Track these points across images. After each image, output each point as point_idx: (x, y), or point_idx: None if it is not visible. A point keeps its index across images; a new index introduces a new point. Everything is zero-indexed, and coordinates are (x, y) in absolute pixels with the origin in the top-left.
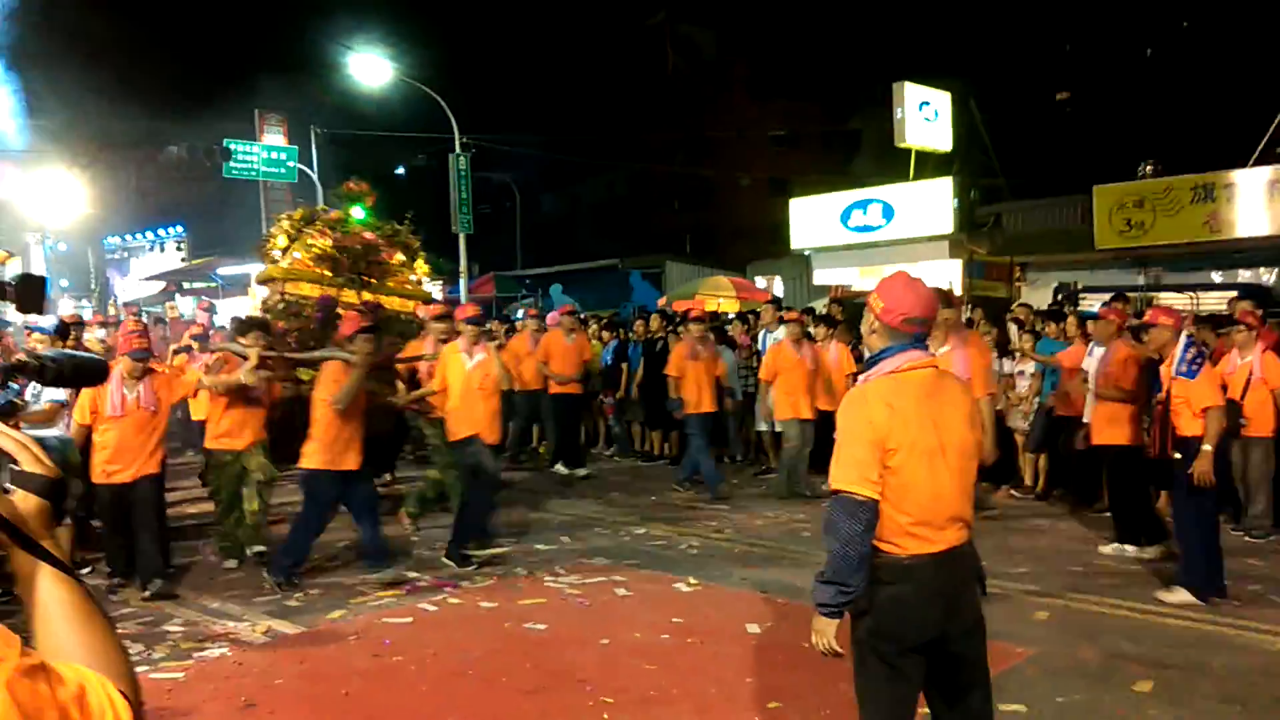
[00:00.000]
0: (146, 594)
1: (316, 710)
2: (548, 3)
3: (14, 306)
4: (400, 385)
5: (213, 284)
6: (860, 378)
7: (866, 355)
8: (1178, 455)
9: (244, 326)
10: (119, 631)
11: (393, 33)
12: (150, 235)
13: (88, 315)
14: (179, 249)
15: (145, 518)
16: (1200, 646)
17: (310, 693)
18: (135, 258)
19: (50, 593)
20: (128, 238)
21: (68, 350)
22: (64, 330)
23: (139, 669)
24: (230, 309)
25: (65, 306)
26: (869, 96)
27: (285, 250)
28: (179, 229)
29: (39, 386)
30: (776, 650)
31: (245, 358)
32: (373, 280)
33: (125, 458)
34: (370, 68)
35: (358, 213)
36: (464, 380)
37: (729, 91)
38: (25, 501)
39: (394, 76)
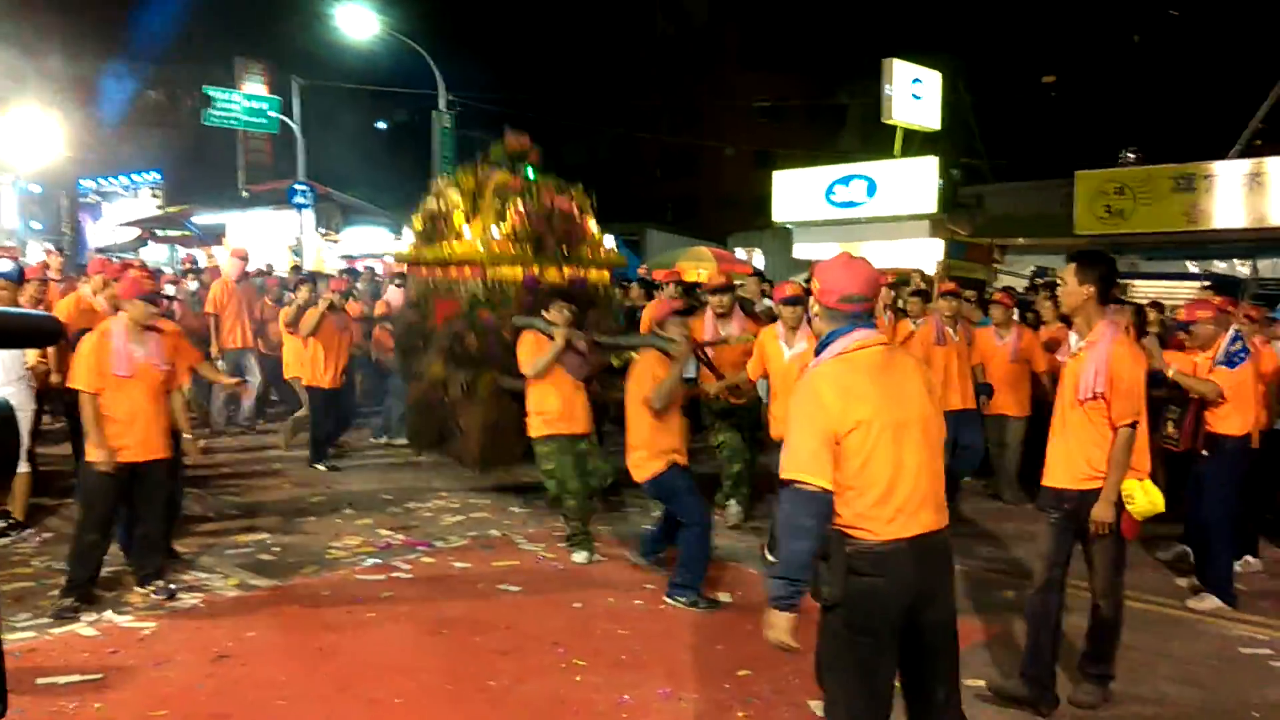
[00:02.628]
0: (146, 590)
1: (288, 663)
2: None
3: None
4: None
5: (187, 232)
6: (811, 364)
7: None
8: (1205, 452)
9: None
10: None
11: None
12: (125, 180)
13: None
14: (154, 196)
15: (155, 507)
16: (1161, 629)
17: (282, 645)
18: (109, 203)
19: None
20: (102, 182)
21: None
22: (21, 277)
23: (111, 616)
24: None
25: (36, 250)
26: (857, 71)
27: (475, 227)
28: (155, 175)
29: None
30: (747, 619)
31: (551, 337)
32: (572, 253)
33: (136, 431)
34: (356, 20)
35: (529, 175)
36: (783, 373)
37: (717, 59)
38: None
39: (380, 30)
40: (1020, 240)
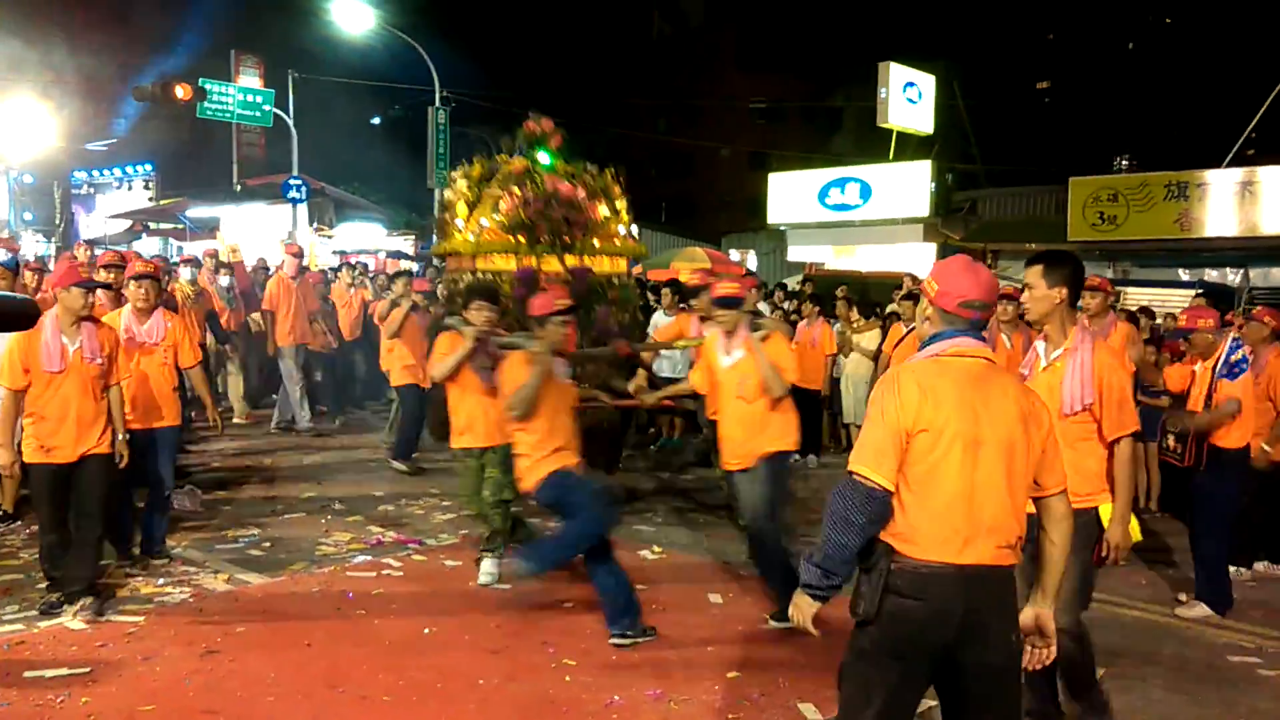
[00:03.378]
0: (70, 608)
1: (277, 659)
2: None
3: None
4: (641, 377)
5: (180, 225)
6: (908, 360)
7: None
8: (1201, 467)
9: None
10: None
11: None
12: (119, 172)
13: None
14: (147, 188)
15: (88, 508)
16: (1151, 637)
17: (272, 641)
18: (102, 194)
19: None
20: (95, 173)
21: None
22: (17, 267)
23: (106, 612)
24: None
25: (30, 242)
26: (853, 74)
27: (469, 218)
28: (148, 168)
29: None
30: (736, 621)
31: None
32: (575, 241)
33: (67, 429)
34: (352, 14)
35: (543, 159)
36: (721, 386)
37: (714, 60)
38: None
39: (376, 25)
40: (1013, 246)
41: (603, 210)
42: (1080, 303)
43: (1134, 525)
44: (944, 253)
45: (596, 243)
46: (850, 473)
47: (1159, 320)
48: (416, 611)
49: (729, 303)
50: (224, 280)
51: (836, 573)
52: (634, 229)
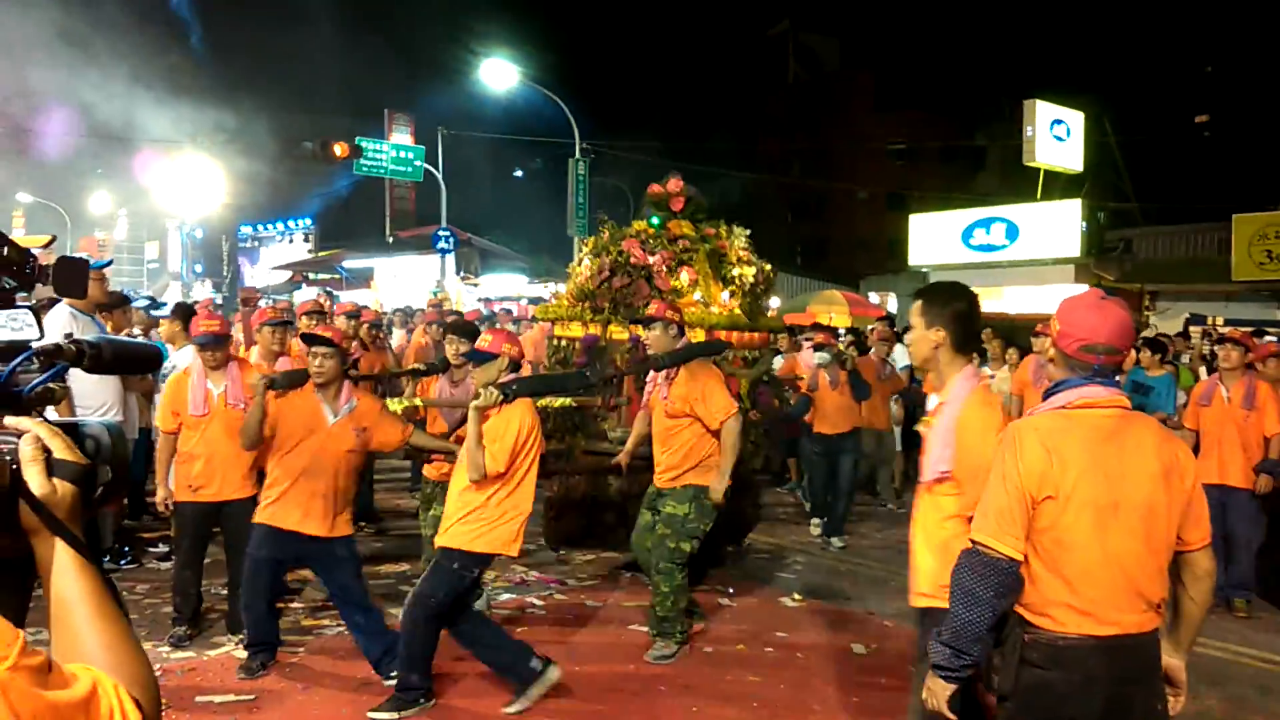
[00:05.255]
0: (234, 638)
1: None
2: (673, 12)
3: (53, 289)
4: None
5: (337, 275)
6: (1027, 412)
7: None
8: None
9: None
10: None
11: (514, 37)
12: (280, 226)
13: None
14: (306, 240)
15: (239, 551)
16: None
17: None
18: (265, 247)
19: (71, 584)
20: (259, 227)
21: (111, 335)
22: (187, 313)
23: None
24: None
25: (201, 291)
26: (995, 112)
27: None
28: (307, 221)
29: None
30: (880, 672)
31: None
32: (638, 309)
33: (215, 470)
34: (497, 71)
35: (655, 221)
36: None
37: (849, 102)
38: (58, 488)
39: (519, 81)
40: (1172, 286)
41: (683, 278)
42: (1219, 357)
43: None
44: None
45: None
46: (973, 542)
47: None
48: (559, 652)
49: (479, 357)
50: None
51: (968, 651)
52: (728, 295)
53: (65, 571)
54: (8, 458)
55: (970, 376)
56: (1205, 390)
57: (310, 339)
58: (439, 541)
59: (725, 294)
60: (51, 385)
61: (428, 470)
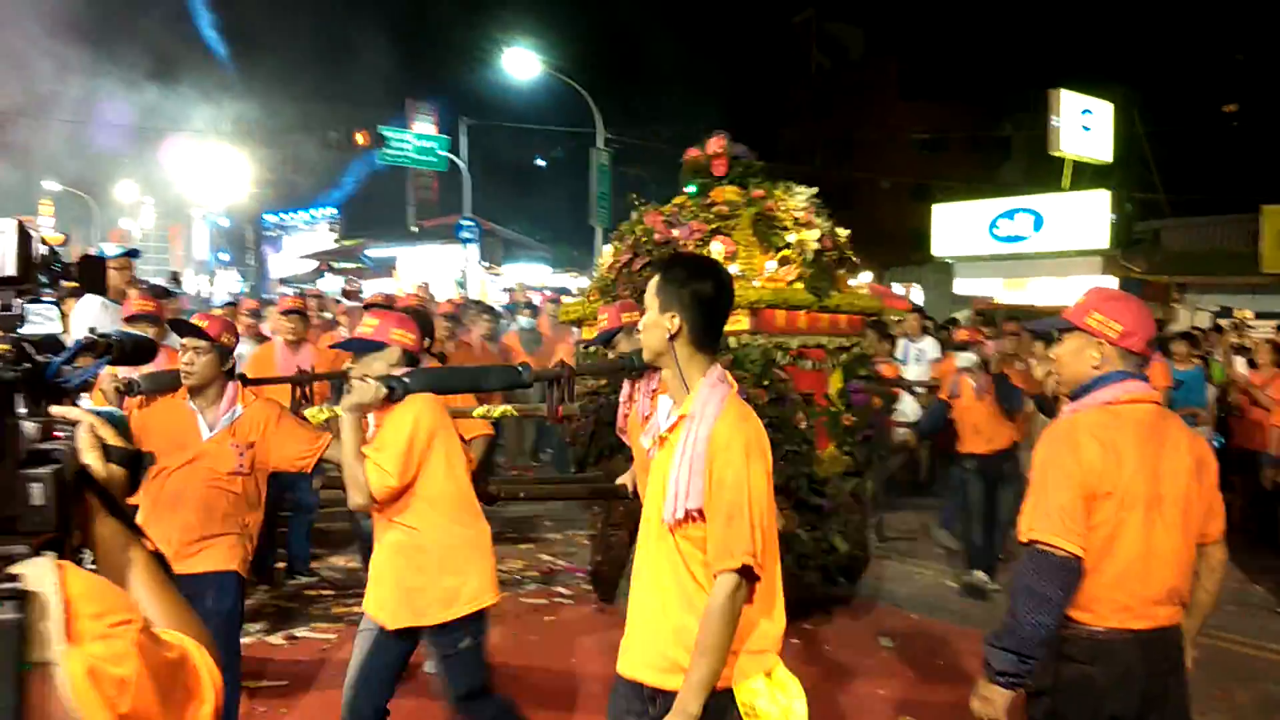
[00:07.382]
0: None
1: None
2: (696, 1)
3: (76, 285)
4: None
5: (361, 265)
6: (1068, 408)
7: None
8: None
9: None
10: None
11: (537, 26)
12: (305, 215)
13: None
14: (331, 229)
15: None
16: None
17: None
18: (289, 235)
19: (133, 561)
20: (284, 216)
21: (127, 330)
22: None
23: (296, 630)
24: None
25: (225, 279)
26: (1021, 101)
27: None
28: (332, 210)
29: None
30: (909, 665)
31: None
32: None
33: None
34: (520, 61)
35: (690, 190)
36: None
37: (874, 91)
38: (110, 472)
39: (542, 70)
40: (1201, 278)
41: (715, 249)
42: (1254, 354)
43: (791, 702)
44: (1126, 286)
45: None
46: (1034, 543)
47: None
48: (588, 643)
49: (357, 346)
50: (524, 321)
51: (1034, 655)
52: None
53: (123, 548)
54: (73, 446)
55: (718, 382)
56: None
57: (180, 327)
58: (397, 623)
59: (772, 263)
60: (89, 378)
61: None
